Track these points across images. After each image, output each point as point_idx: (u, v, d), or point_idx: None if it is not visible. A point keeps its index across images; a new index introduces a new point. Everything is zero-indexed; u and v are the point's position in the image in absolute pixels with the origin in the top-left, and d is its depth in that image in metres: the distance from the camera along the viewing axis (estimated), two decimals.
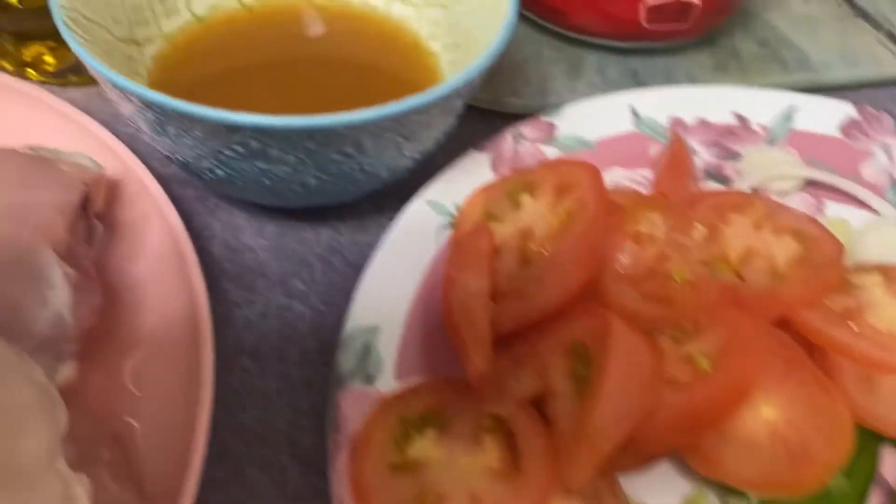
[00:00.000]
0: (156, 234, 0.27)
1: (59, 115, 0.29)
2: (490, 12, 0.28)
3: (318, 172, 0.25)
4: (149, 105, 0.22)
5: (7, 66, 0.34)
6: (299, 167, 0.24)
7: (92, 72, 0.24)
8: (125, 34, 0.28)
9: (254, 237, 0.29)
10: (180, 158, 0.25)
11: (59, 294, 0.23)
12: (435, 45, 0.32)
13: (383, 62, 0.32)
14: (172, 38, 0.30)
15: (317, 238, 0.29)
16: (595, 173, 0.27)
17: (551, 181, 0.28)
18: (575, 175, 0.27)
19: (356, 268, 0.29)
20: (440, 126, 0.27)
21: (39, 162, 0.25)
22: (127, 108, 0.24)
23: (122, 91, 0.23)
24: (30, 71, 0.34)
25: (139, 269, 0.26)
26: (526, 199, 0.28)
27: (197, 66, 0.30)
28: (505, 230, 0.28)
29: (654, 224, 0.27)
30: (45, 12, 0.25)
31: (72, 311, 0.23)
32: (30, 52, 0.34)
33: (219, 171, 0.25)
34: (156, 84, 0.29)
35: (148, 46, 0.30)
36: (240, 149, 0.23)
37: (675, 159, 0.30)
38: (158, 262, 0.26)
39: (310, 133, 0.23)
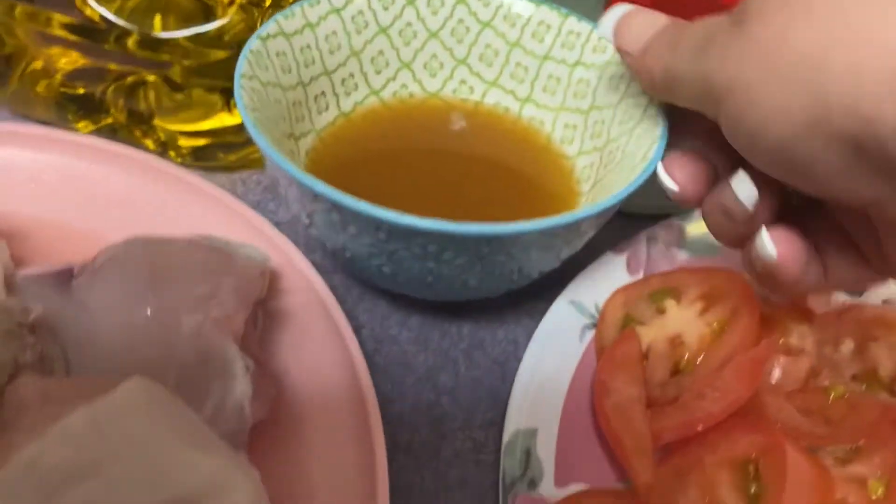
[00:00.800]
0: (317, 323, 0.27)
1: (219, 204, 0.30)
2: (637, 123, 0.29)
3: (481, 274, 0.26)
4: (338, 208, 0.23)
5: (149, 144, 0.35)
6: (467, 268, 0.25)
7: (277, 171, 0.25)
8: (287, 130, 0.30)
9: (398, 328, 0.30)
10: (349, 255, 0.26)
11: (240, 385, 0.24)
12: (568, 149, 0.33)
13: (514, 161, 0.33)
14: (322, 132, 0.32)
15: (458, 331, 0.30)
16: (745, 284, 0.27)
17: (698, 288, 0.29)
18: (724, 284, 0.28)
19: (498, 363, 0.29)
20: (593, 231, 0.27)
21: (219, 253, 0.26)
22: (304, 207, 0.25)
23: (315, 194, 0.23)
24: (171, 153, 0.35)
25: (302, 359, 0.27)
26: (671, 304, 0.29)
27: (342, 157, 0.32)
28: (650, 335, 0.28)
29: (803, 337, 0.27)
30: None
31: (251, 402, 0.24)
32: (167, 132, 0.35)
33: (386, 269, 0.26)
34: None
35: (303, 140, 0.31)
36: (417, 250, 0.24)
37: None
38: (321, 352, 0.27)
39: (489, 240, 0.24)
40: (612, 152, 0.29)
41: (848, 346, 0.27)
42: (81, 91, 0.34)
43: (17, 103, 0.36)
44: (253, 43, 0.28)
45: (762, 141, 0.19)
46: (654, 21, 0.24)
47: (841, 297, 0.31)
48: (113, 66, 0.33)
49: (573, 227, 0.25)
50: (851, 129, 0.17)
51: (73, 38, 0.32)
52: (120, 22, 0.31)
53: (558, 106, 0.33)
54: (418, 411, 0.27)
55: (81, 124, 0.35)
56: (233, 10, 0.31)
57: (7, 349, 0.20)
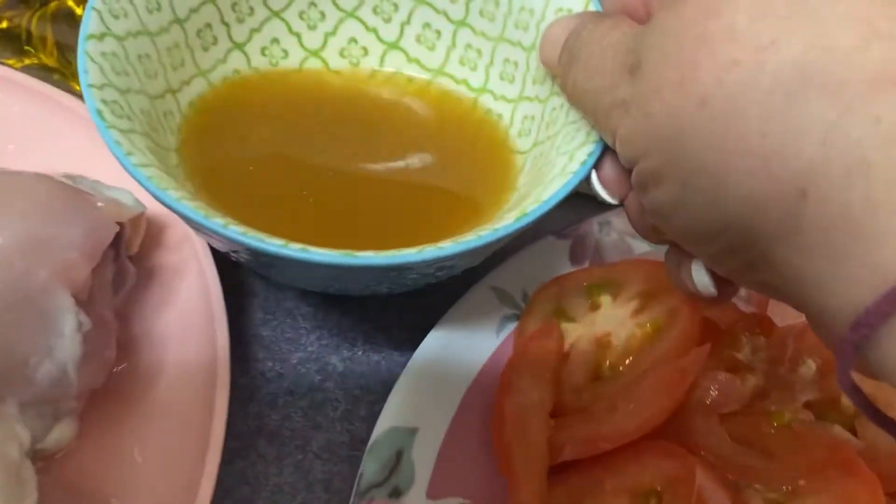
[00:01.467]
0: (189, 285, 0.24)
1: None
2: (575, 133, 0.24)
3: (391, 285, 0.22)
4: (223, 240, 0.19)
5: (76, 86, 0.32)
6: (373, 283, 0.21)
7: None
8: (162, 86, 0.25)
9: (296, 301, 0.26)
10: (242, 261, 0.22)
11: (66, 345, 0.20)
12: (509, 90, 0.28)
13: (437, 124, 0.28)
14: (210, 74, 0.27)
15: (363, 310, 0.26)
16: None
17: (638, 284, 0.24)
18: (665, 281, 0.24)
19: (401, 350, 0.25)
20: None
21: (72, 193, 0.22)
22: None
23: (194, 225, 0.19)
24: None
25: (165, 322, 0.24)
26: (606, 299, 0.25)
27: (237, 111, 0.27)
28: (577, 332, 0.24)
29: (756, 351, 0.23)
30: None
31: (78, 366, 0.20)
32: None
33: (282, 279, 0.22)
34: (191, 130, 0.25)
35: (186, 90, 0.26)
36: (317, 274, 0.20)
37: None
38: (186, 316, 0.23)
39: (386, 268, 0.19)
40: (556, 109, 0.24)
41: (809, 367, 0.23)
42: (5, 25, 0.31)
43: None
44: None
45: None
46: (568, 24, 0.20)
47: None
48: None
49: (477, 250, 0.20)
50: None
51: None
52: None
53: (498, 35, 0.28)
54: (296, 394, 0.24)
55: (11, 61, 0.33)
56: None
57: None
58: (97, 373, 0.21)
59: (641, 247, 0.28)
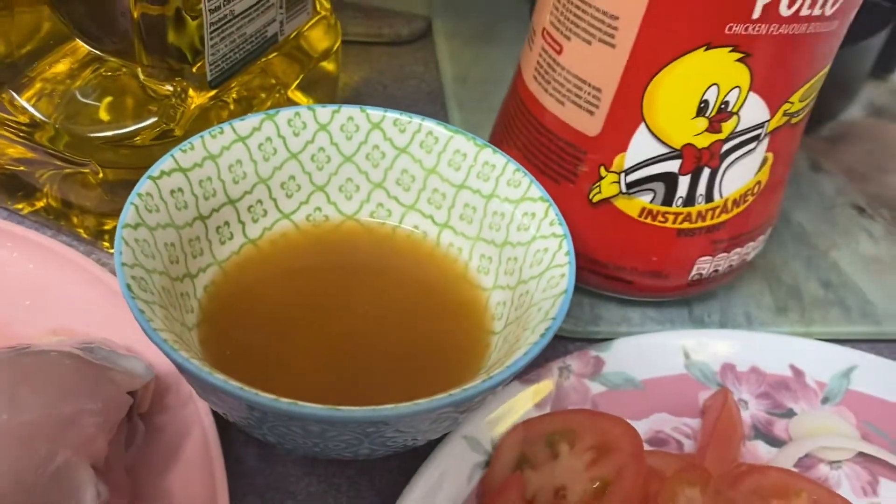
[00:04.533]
0: (193, 444, 0.27)
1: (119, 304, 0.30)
2: (545, 270, 0.28)
3: (371, 445, 0.25)
4: (213, 389, 0.23)
5: (83, 233, 0.36)
6: (354, 443, 0.24)
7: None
8: (182, 271, 0.29)
9: (287, 451, 0.29)
10: (231, 419, 0.25)
11: None
12: (484, 280, 0.32)
13: (431, 291, 0.32)
14: (224, 263, 0.31)
15: (346, 462, 0.29)
16: (636, 440, 0.26)
17: (592, 436, 0.28)
18: (616, 436, 0.27)
19: (383, 495, 0.28)
20: (492, 394, 0.26)
21: (91, 370, 0.25)
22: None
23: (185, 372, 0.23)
24: (105, 243, 0.36)
25: (170, 478, 0.26)
26: (564, 448, 0.28)
27: (244, 287, 0.31)
28: (538, 482, 0.27)
29: (691, 501, 0.26)
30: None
31: None
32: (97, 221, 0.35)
33: (270, 438, 0.25)
34: (207, 316, 0.29)
35: (201, 276, 0.30)
36: (298, 430, 0.23)
37: (724, 425, 0.29)
38: (189, 473, 0.26)
39: (373, 422, 0.23)
40: (523, 296, 0.29)
41: None
42: (21, 169, 0.35)
43: None
44: (141, 185, 0.27)
45: None
46: None
47: (748, 455, 0.30)
48: (58, 162, 0.33)
49: (466, 402, 0.23)
50: None
51: (13, 136, 0.33)
52: (46, 120, 0.31)
53: (475, 235, 0.32)
54: None
55: (19, 206, 0.36)
56: (158, 112, 0.31)
57: None
58: None
59: (598, 387, 0.31)
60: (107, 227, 0.35)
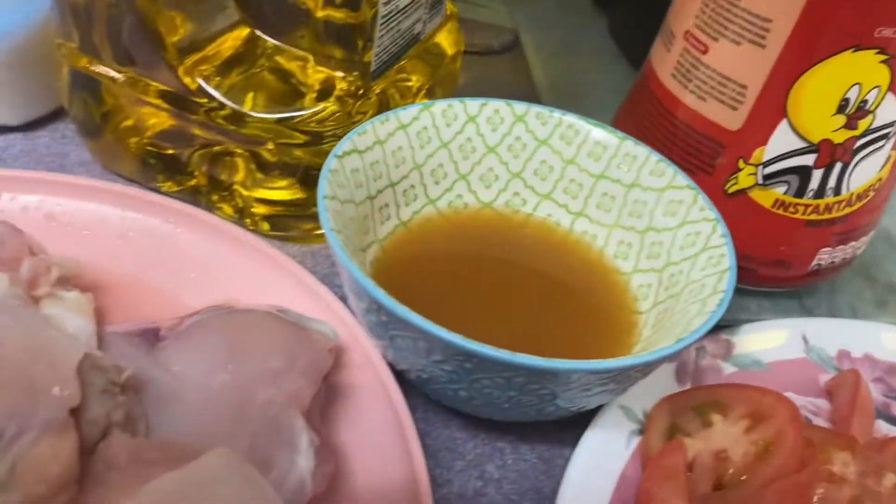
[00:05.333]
0: (375, 403, 0.28)
1: (292, 276, 0.32)
2: (700, 251, 0.30)
3: (558, 401, 0.27)
4: (427, 337, 0.24)
5: (226, 209, 0.37)
6: (547, 398, 0.26)
7: (363, 297, 0.26)
8: (357, 244, 0.31)
9: (448, 414, 0.31)
10: (425, 377, 0.27)
11: (304, 459, 0.25)
12: (623, 265, 0.34)
13: (567, 274, 0.34)
14: (383, 242, 0.33)
15: (505, 422, 0.31)
16: (792, 407, 0.28)
17: (744, 406, 0.30)
18: (771, 405, 0.29)
19: (544, 459, 0.30)
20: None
21: (294, 328, 0.27)
22: (384, 331, 0.27)
23: (407, 324, 0.25)
24: (247, 220, 0.37)
25: (358, 436, 0.28)
26: (717, 418, 0.30)
27: (401, 267, 0.33)
28: (696, 447, 0.29)
29: (845, 465, 0.28)
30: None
31: (312, 475, 0.25)
32: (245, 199, 0.37)
33: (462, 393, 0.27)
34: (380, 264, 0.31)
35: (368, 252, 0.32)
36: (501, 381, 0.25)
37: (860, 399, 0.31)
38: (375, 431, 0.28)
39: (588, 372, 0.25)
40: (674, 276, 0.31)
41: (890, 479, 0.28)
42: (170, 152, 0.36)
43: (107, 157, 0.38)
44: (331, 162, 0.29)
45: None
46: None
47: (884, 427, 0.32)
48: (198, 132, 0.35)
49: (655, 363, 0.26)
50: None
51: (165, 105, 0.34)
52: (217, 95, 0.33)
53: (612, 223, 0.34)
54: (464, 498, 0.28)
55: (167, 184, 0.38)
56: (330, 101, 0.33)
57: (102, 406, 0.22)
58: (322, 481, 0.25)
59: (730, 367, 0.33)
60: (256, 210, 0.37)
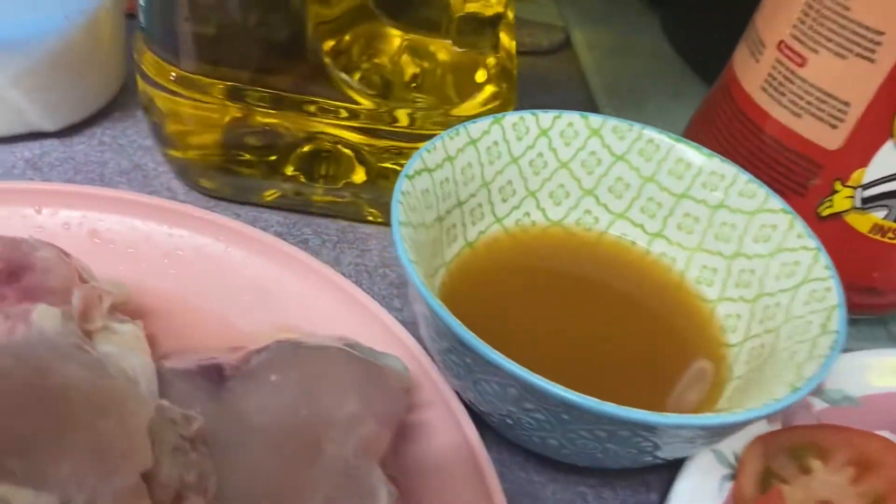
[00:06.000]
0: (450, 444, 0.26)
1: (353, 301, 0.30)
2: (800, 283, 0.28)
3: (655, 450, 0.24)
4: (525, 386, 0.22)
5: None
6: (648, 449, 0.24)
7: (450, 339, 0.24)
8: (426, 272, 0.28)
9: (524, 455, 0.29)
10: (509, 422, 0.25)
11: None
12: (707, 291, 0.32)
13: (646, 298, 0.32)
14: (450, 265, 0.31)
15: (585, 470, 0.29)
16: None
17: (846, 451, 0.27)
18: (878, 452, 0.27)
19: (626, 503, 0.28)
20: None
21: (368, 367, 0.25)
22: (468, 374, 0.25)
23: (498, 369, 0.22)
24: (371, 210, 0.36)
25: (432, 481, 0.26)
26: (817, 465, 0.27)
27: (468, 292, 0.31)
28: (796, 496, 0.27)
29: None
30: None
31: None
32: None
33: (552, 441, 0.25)
34: (447, 290, 0.29)
35: (435, 277, 0.30)
36: (584, 433, 0.23)
37: None
38: (454, 476, 0.26)
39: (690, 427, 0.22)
40: (770, 308, 0.28)
41: None
42: (271, 158, 0.34)
43: (194, 172, 0.36)
44: (402, 183, 0.27)
45: None
46: None
47: None
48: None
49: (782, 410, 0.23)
50: None
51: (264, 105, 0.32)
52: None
53: (695, 246, 0.32)
54: None
55: (269, 192, 0.35)
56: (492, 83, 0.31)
57: (174, 467, 0.19)
58: None
59: (820, 404, 0.31)
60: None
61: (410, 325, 0.29)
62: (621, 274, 0.33)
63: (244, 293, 0.31)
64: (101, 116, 0.39)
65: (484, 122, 0.31)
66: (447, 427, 0.27)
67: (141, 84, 0.34)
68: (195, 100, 0.32)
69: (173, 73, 0.32)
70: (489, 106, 0.33)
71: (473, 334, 0.22)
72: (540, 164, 0.33)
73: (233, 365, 0.25)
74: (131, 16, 0.39)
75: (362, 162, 0.34)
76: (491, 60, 0.32)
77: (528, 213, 0.33)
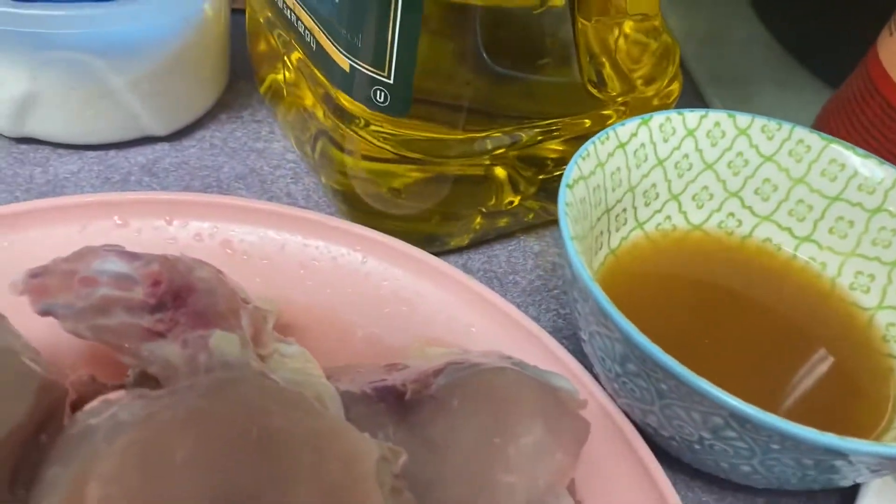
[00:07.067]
0: (625, 468, 0.25)
1: (505, 317, 0.29)
2: None
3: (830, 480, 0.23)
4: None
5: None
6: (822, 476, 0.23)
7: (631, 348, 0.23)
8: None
9: (687, 471, 0.28)
10: (695, 447, 0.24)
11: None
12: (863, 299, 0.30)
13: (795, 306, 0.31)
14: (595, 276, 0.30)
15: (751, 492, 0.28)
16: None
17: None
18: None
19: None
20: None
21: (545, 391, 0.24)
22: (627, 370, 0.24)
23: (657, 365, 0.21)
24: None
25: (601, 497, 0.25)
26: None
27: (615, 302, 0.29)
28: None
29: None
30: None
31: None
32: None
33: (745, 468, 0.24)
34: None
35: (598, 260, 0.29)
36: (789, 460, 0.22)
37: None
38: (621, 490, 0.25)
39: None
40: None
41: None
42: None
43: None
44: (564, 194, 0.26)
45: None
46: None
47: None
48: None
49: None
50: None
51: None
52: None
53: (849, 251, 0.31)
54: None
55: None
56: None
57: None
58: None
59: None
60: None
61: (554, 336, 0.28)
62: (767, 280, 0.32)
63: (385, 305, 0.30)
64: (208, 118, 0.38)
65: (632, 124, 0.30)
66: (618, 449, 0.26)
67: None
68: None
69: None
70: (670, 88, 0.32)
71: (681, 364, 0.21)
72: (685, 166, 0.31)
73: (410, 388, 0.24)
74: (235, 11, 0.38)
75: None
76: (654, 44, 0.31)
77: (669, 217, 0.32)
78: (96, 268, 0.24)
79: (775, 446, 0.22)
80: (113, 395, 0.21)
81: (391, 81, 0.27)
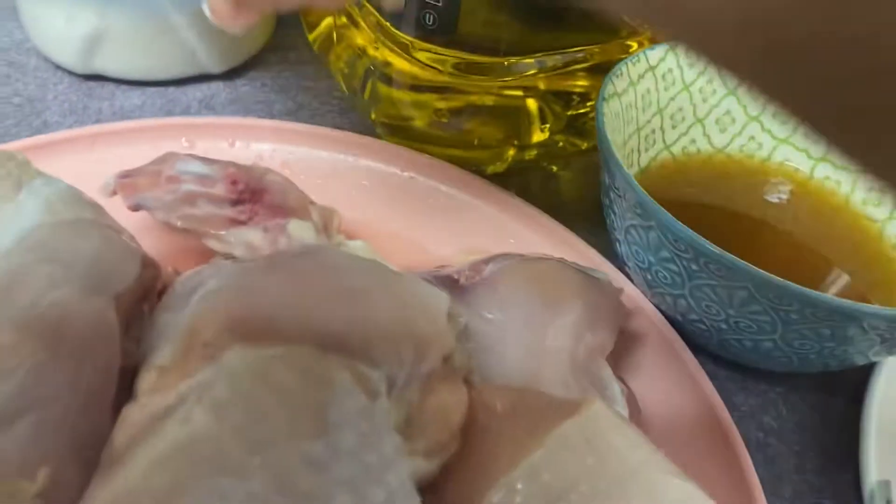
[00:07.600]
0: (655, 350, 0.28)
1: (539, 224, 0.31)
2: None
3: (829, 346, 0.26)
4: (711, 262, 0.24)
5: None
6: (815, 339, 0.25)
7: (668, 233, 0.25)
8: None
9: (714, 363, 0.30)
10: (721, 326, 0.27)
11: (619, 409, 0.24)
12: (874, 212, 0.33)
13: (812, 219, 0.33)
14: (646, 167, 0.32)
15: (774, 372, 0.30)
16: None
17: None
18: None
19: (817, 410, 0.29)
20: None
21: (587, 278, 0.26)
22: (659, 258, 0.26)
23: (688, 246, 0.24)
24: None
25: (646, 384, 0.27)
26: None
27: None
28: None
29: None
30: None
31: None
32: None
33: (767, 344, 0.26)
34: None
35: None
36: (825, 329, 0.24)
37: None
38: (664, 377, 0.27)
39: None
40: None
41: None
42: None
43: None
44: (602, 105, 0.29)
45: None
46: None
47: None
48: None
49: None
50: None
51: None
52: None
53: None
54: (749, 450, 0.28)
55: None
56: None
57: (463, 353, 0.21)
58: None
59: None
60: None
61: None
62: (788, 198, 0.34)
63: (431, 218, 0.33)
64: (258, 60, 0.40)
65: (661, 49, 0.32)
66: (650, 333, 0.28)
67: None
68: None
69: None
70: None
71: (710, 242, 0.24)
72: (709, 91, 0.34)
73: (465, 275, 0.26)
74: None
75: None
76: None
77: (693, 140, 0.34)
78: (179, 168, 0.26)
79: (795, 316, 0.24)
80: (204, 267, 0.24)
81: (440, 4, 0.29)
